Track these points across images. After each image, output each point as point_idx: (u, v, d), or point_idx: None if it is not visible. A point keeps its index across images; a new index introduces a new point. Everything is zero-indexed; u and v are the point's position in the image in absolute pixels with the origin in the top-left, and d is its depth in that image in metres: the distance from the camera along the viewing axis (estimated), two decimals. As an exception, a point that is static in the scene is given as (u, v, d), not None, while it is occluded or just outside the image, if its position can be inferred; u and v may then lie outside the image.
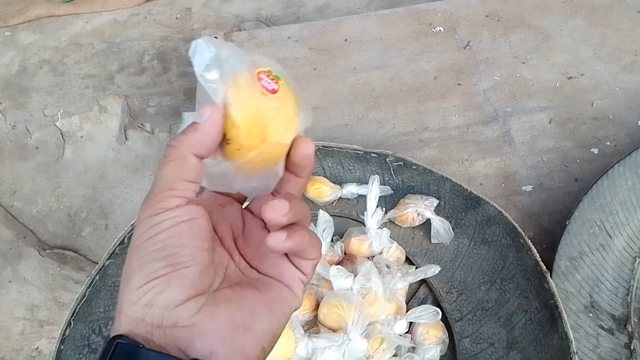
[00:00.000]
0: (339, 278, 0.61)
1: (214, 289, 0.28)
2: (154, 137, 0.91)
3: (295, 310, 0.31)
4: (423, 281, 0.68)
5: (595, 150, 0.79)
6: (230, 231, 0.33)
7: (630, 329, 0.61)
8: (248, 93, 0.28)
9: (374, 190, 0.65)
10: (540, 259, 0.62)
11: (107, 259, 0.66)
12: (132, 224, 0.68)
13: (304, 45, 0.93)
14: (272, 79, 0.29)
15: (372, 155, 0.73)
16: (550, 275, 0.61)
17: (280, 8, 1.10)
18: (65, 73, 1.01)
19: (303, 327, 0.60)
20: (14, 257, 0.80)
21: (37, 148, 0.92)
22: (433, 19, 0.94)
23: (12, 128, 0.94)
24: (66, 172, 0.89)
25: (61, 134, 0.93)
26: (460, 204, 0.69)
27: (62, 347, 0.61)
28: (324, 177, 0.73)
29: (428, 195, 0.69)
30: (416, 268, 0.66)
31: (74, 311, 0.63)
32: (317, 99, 0.87)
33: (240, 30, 1.06)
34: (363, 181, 0.72)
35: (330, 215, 0.67)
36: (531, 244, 0.63)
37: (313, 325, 0.62)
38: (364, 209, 0.66)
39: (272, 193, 0.33)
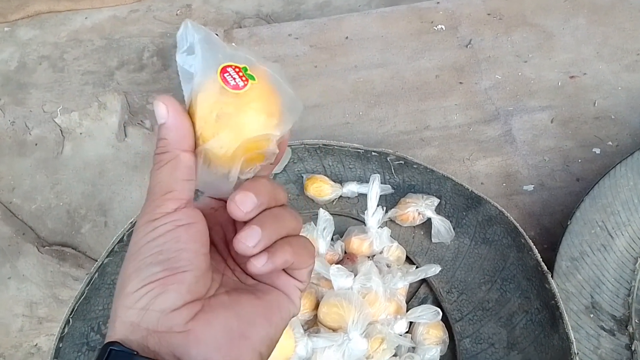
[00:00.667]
0: (339, 277, 0.60)
1: (210, 294, 0.28)
2: (153, 134, 0.90)
3: (293, 317, 0.31)
4: (423, 281, 0.67)
5: (597, 150, 0.78)
6: (223, 236, 0.32)
7: (631, 329, 0.61)
8: (210, 85, 0.28)
9: (374, 189, 0.65)
10: (541, 259, 0.62)
11: (106, 257, 0.66)
12: (132, 222, 0.67)
13: (304, 42, 0.93)
14: (242, 77, 0.28)
15: (373, 153, 0.73)
16: (551, 276, 0.61)
17: (280, 5, 1.10)
18: (65, 69, 1.01)
19: (303, 326, 0.60)
20: (13, 253, 0.80)
21: (36, 144, 0.91)
22: (435, 17, 0.94)
23: (11, 124, 0.94)
24: (65, 168, 0.88)
25: (60, 130, 0.92)
26: (461, 203, 0.69)
27: (60, 345, 0.61)
28: (325, 175, 0.73)
29: (429, 194, 0.69)
30: (417, 267, 0.65)
31: (73, 309, 0.63)
32: (317, 97, 0.87)
33: (240, 27, 1.06)
34: (364, 180, 0.72)
35: (331, 214, 0.66)
36: (532, 243, 0.63)
37: (313, 325, 0.62)
38: (364, 207, 0.66)
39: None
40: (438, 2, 0.96)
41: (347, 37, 0.93)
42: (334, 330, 0.59)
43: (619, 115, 0.81)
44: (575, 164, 0.77)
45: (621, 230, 0.66)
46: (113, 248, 0.66)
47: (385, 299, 0.61)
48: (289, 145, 0.72)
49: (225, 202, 0.31)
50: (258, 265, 0.27)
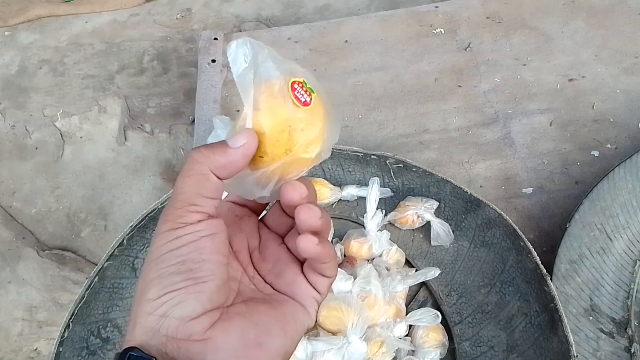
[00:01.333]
0: (339, 281, 0.60)
1: (228, 303, 0.28)
2: (153, 138, 0.90)
3: (308, 331, 0.31)
4: (423, 284, 0.67)
5: (596, 153, 0.78)
6: (246, 245, 0.32)
7: (630, 332, 0.61)
8: (280, 101, 0.27)
9: (373, 192, 0.65)
10: (540, 262, 0.62)
11: (106, 261, 0.66)
12: (132, 226, 0.67)
13: (304, 46, 0.93)
14: (306, 91, 0.28)
15: (372, 157, 0.73)
16: (551, 278, 0.61)
17: (280, 9, 1.10)
18: (65, 73, 1.01)
19: (302, 329, 0.60)
20: (12, 257, 0.80)
21: (36, 148, 0.92)
22: (434, 21, 0.94)
23: (11, 128, 0.94)
24: (65, 172, 0.89)
25: (60, 134, 0.93)
26: (460, 206, 0.69)
27: (60, 349, 0.61)
28: (324, 178, 0.73)
29: (428, 197, 0.69)
30: (416, 271, 0.65)
31: (73, 313, 0.63)
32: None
33: (240, 30, 1.06)
34: (363, 183, 0.72)
35: (330, 217, 0.66)
36: (531, 246, 0.63)
37: (312, 328, 0.62)
38: (363, 211, 0.66)
39: None
40: (437, 6, 0.96)
41: (346, 41, 0.93)
42: (334, 333, 0.59)
43: (617, 118, 0.81)
44: (574, 167, 0.77)
45: (620, 232, 0.66)
46: (113, 252, 0.66)
47: (384, 302, 0.61)
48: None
49: (251, 206, 0.33)
50: (312, 242, 0.28)
